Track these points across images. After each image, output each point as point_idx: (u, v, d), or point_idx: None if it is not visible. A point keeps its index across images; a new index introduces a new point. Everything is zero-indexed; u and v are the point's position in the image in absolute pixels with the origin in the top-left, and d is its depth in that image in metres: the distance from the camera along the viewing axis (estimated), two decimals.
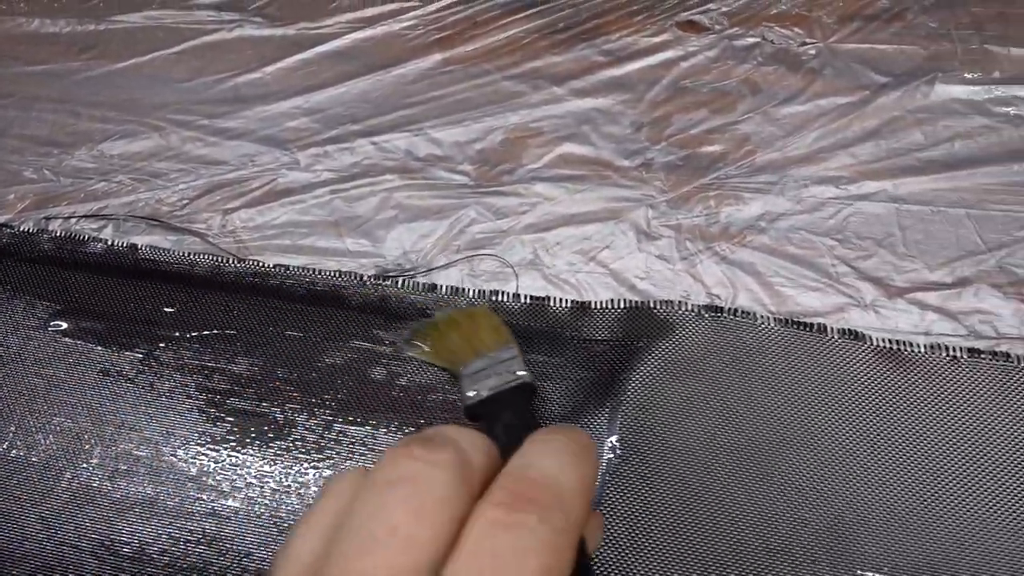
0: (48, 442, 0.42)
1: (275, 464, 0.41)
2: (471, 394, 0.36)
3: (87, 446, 0.42)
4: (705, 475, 0.39)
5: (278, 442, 0.42)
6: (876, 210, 0.46)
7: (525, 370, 0.37)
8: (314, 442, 0.42)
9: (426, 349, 0.42)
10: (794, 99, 0.50)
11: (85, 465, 0.42)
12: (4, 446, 0.42)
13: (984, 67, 0.50)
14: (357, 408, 0.43)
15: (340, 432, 0.42)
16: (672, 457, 0.40)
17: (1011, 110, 0.49)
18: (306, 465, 0.41)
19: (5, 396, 0.44)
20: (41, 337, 0.46)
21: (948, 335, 0.43)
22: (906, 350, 0.42)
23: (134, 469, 0.42)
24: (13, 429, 0.43)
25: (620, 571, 0.38)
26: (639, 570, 0.38)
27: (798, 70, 0.51)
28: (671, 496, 0.39)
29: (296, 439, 0.42)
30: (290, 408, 0.43)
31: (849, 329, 0.42)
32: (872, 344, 0.42)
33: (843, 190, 0.47)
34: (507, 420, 0.34)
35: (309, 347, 0.45)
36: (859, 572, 0.37)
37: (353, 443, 0.42)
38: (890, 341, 0.42)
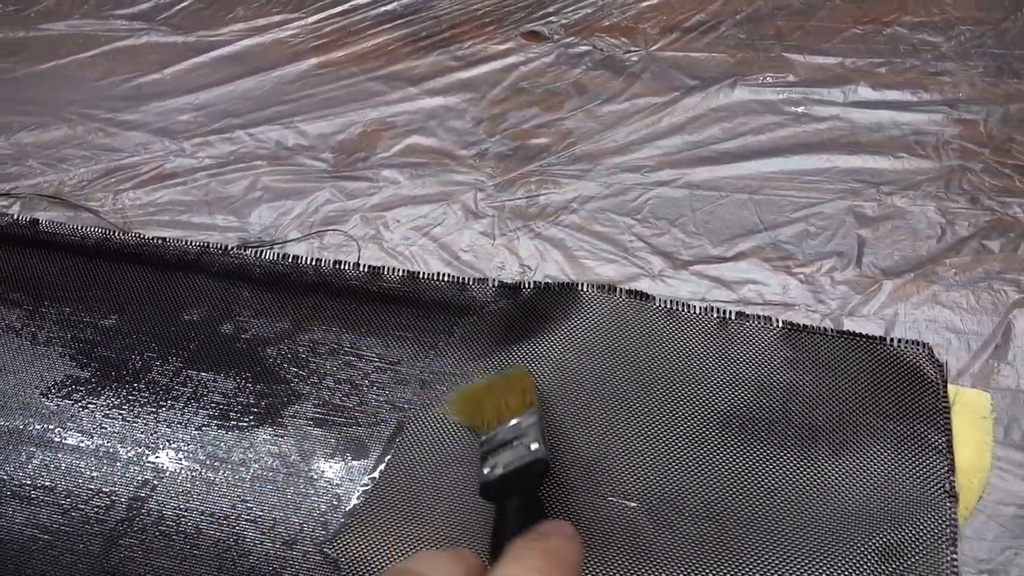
0: None
1: (127, 405, 0.48)
2: (486, 471, 0.38)
3: None
4: None
5: (134, 384, 0.49)
6: (673, 195, 0.53)
7: (539, 442, 0.39)
8: (164, 384, 0.49)
9: (456, 408, 0.45)
10: (615, 99, 0.57)
11: None
12: None
13: (781, 72, 0.57)
14: (206, 358, 0.49)
15: (187, 377, 0.49)
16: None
17: (800, 109, 0.55)
18: (154, 405, 0.48)
19: None
20: None
21: (721, 301, 0.49)
22: (682, 311, 0.48)
23: (7, 404, 0.49)
24: None
25: None
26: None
27: (621, 74, 0.58)
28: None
29: (149, 381, 0.49)
30: (148, 356, 0.50)
31: (638, 290, 0.48)
32: (656, 305, 0.48)
33: (646, 177, 0.54)
34: (516, 504, 0.37)
35: (172, 307, 0.52)
36: (611, 499, 0.43)
37: (197, 385, 0.48)
38: (670, 302, 0.48)
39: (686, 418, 0.45)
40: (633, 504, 0.43)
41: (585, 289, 0.49)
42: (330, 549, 0.43)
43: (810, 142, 0.54)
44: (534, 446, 0.38)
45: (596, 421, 0.45)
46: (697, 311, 0.48)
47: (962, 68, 0.56)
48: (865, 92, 0.56)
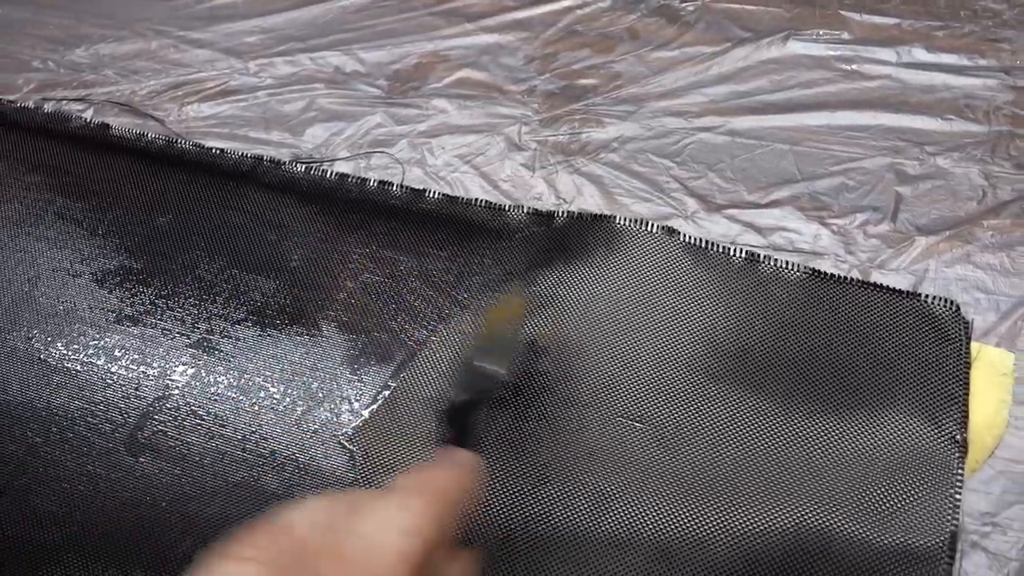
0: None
1: (174, 297, 0.51)
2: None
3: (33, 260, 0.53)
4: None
5: (181, 278, 0.52)
6: (714, 140, 0.53)
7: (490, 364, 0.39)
8: (208, 280, 0.51)
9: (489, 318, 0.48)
10: (666, 46, 0.58)
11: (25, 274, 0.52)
12: None
13: (836, 29, 0.56)
14: (249, 261, 0.52)
15: (230, 275, 0.51)
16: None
17: (851, 66, 0.55)
18: (197, 299, 0.51)
19: None
20: (15, 187, 0.57)
21: (751, 245, 0.49)
22: (709, 248, 0.48)
23: (65, 286, 0.52)
24: None
25: None
26: None
27: (675, 22, 0.59)
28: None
29: (196, 277, 0.52)
30: (196, 254, 0.53)
31: (666, 225, 0.49)
32: (681, 240, 0.49)
33: (689, 122, 0.54)
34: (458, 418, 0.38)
35: (222, 212, 0.54)
36: (621, 420, 0.44)
37: (238, 284, 0.51)
38: (694, 238, 0.48)
39: (703, 351, 0.46)
40: (639, 425, 0.44)
41: (618, 221, 0.50)
42: (347, 442, 0.45)
43: (858, 99, 0.54)
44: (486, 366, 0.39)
45: (614, 347, 0.46)
46: (723, 250, 0.48)
47: (1022, 36, 0.55)
48: (920, 54, 0.55)
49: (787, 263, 0.47)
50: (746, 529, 0.41)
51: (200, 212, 0.55)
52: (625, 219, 0.50)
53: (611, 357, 0.46)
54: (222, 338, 0.49)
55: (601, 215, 0.50)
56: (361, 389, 0.47)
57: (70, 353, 0.49)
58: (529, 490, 0.43)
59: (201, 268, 0.52)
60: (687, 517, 0.41)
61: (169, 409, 0.47)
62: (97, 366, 0.49)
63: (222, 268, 0.52)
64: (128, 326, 0.50)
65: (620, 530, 0.42)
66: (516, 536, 0.42)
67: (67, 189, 0.56)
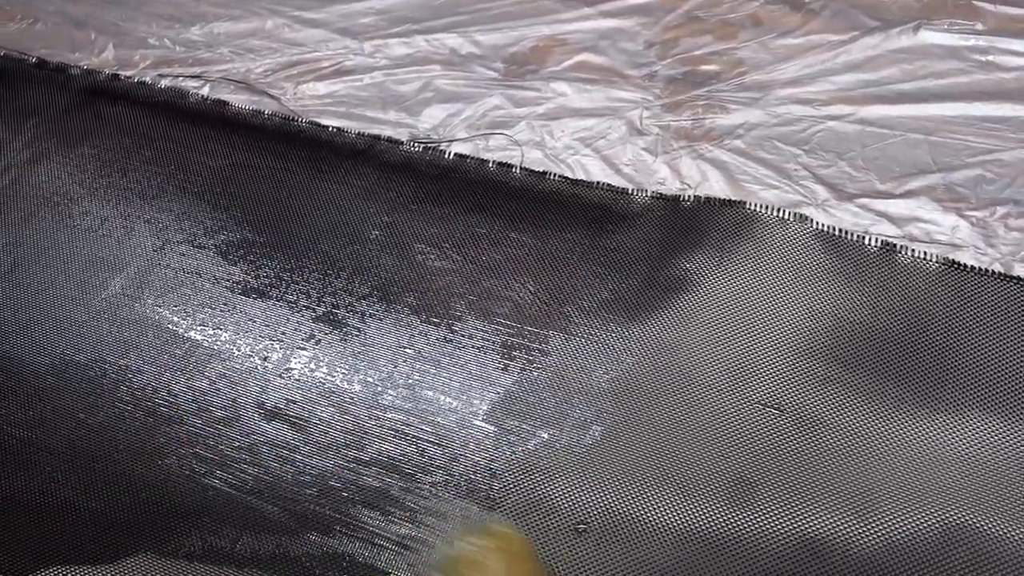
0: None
1: (298, 271, 0.51)
2: None
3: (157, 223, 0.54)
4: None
5: (304, 252, 0.52)
6: (844, 129, 0.52)
7: None
8: (332, 256, 0.52)
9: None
10: (790, 33, 0.57)
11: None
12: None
13: (968, 19, 0.55)
14: (369, 240, 0.52)
15: (353, 251, 0.52)
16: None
17: (986, 57, 0.53)
18: (321, 273, 0.51)
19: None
20: (136, 160, 0.58)
21: (885, 235, 0.48)
22: (846, 238, 0.48)
23: (186, 255, 0.52)
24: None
25: None
26: None
27: (800, 10, 0.58)
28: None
29: (318, 251, 0.52)
30: (315, 230, 0.53)
31: (796, 212, 0.48)
32: (812, 227, 0.48)
33: (817, 110, 0.53)
34: None
35: (341, 190, 0.54)
36: (761, 409, 0.43)
37: (360, 260, 0.51)
38: (827, 226, 0.48)
39: (838, 340, 0.45)
40: (776, 412, 0.43)
41: (751, 207, 0.49)
42: (482, 421, 0.45)
43: (994, 91, 0.52)
44: None
45: (747, 333, 0.45)
46: (858, 239, 0.47)
47: None
48: None
49: (925, 254, 0.46)
50: (898, 526, 0.40)
51: (319, 188, 0.55)
52: (757, 205, 0.49)
53: (745, 343, 0.45)
54: (347, 312, 0.49)
55: (731, 200, 0.50)
56: (488, 366, 0.47)
57: (196, 323, 0.50)
58: (663, 478, 0.42)
59: (323, 243, 0.52)
60: (834, 513, 0.41)
61: (295, 379, 0.47)
62: (222, 335, 0.49)
63: (344, 244, 0.52)
64: (254, 298, 0.50)
65: (763, 521, 0.41)
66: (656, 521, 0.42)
67: (187, 163, 0.57)
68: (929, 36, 0.55)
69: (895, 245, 0.46)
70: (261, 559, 0.42)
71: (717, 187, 0.52)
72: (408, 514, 0.42)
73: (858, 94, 0.54)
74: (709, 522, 0.41)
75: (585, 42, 0.59)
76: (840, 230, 0.47)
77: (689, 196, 0.50)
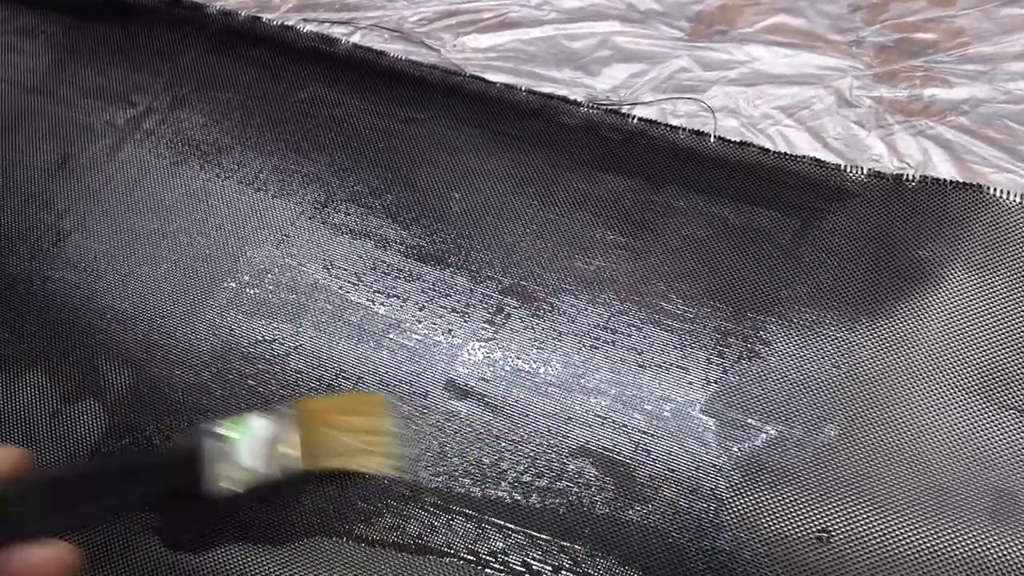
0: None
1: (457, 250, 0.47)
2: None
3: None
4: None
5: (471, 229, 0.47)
6: None
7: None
8: (515, 222, 0.47)
9: None
10: (1016, 2, 0.51)
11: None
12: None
13: None
14: (542, 208, 0.48)
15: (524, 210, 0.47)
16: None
17: None
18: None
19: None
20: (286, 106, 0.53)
21: None
22: None
23: (357, 214, 0.48)
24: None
25: None
26: None
27: None
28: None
29: (488, 224, 0.47)
30: (488, 193, 0.48)
31: None
32: None
33: None
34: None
35: (506, 147, 0.50)
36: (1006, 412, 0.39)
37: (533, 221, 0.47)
38: None
39: None
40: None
41: (991, 191, 0.44)
42: (700, 412, 0.41)
43: None
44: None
45: (987, 327, 0.41)
46: None
47: None
48: None
49: None
50: None
51: (489, 151, 0.50)
52: (996, 190, 0.44)
53: (992, 341, 0.41)
54: (537, 285, 0.45)
55: (966, 183, 0.45)
56: (700, 354, 0.42)
57: (363, 287, 0.46)
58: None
59: (505, 210, 0.48)
60: None
61: (483, 356, 0.43)
62: (394, 303, 0.45)
63: (523, 211, 0.47)
64: (433, 266, 0.46)
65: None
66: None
67: (341, 117, 0.52)
68: None
69: None
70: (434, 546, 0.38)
71: (942, 167, 0.47)
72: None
73: None
74: (969, 538, 0.36)
75: (779, 2, 0.54)
76: None
77: (913, 176, 0.45)
